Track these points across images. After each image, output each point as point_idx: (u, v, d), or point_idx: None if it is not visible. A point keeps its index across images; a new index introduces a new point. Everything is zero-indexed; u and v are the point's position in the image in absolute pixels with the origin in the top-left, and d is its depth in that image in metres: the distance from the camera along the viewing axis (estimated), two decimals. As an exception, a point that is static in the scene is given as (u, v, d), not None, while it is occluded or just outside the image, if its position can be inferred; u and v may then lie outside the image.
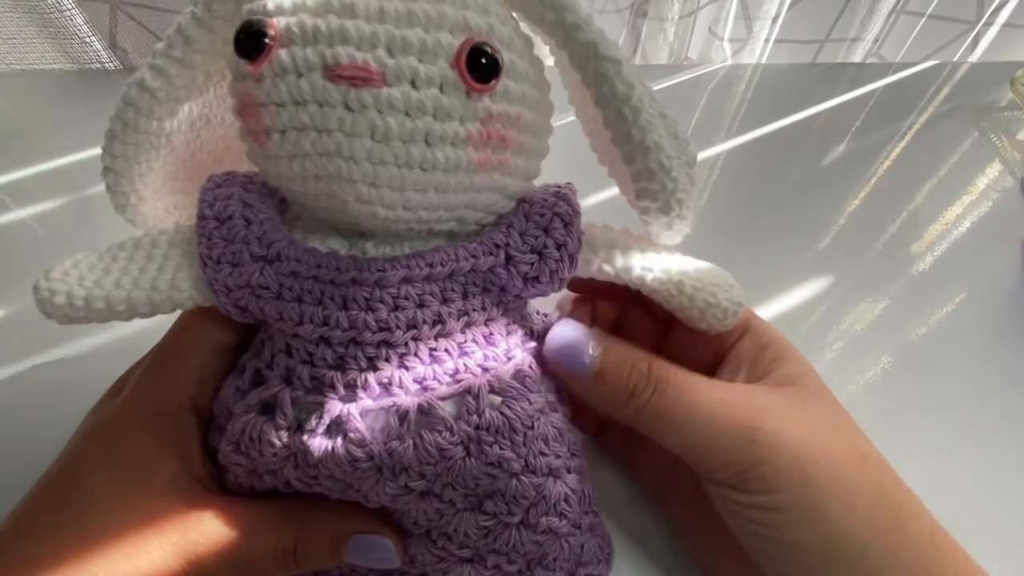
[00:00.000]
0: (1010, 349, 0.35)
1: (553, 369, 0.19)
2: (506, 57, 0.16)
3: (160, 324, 0.20)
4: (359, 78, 0.15)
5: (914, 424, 0.31)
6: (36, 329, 0.27)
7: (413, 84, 0.15)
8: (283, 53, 0.15)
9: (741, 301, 0.20)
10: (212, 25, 0.18)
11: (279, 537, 0.18)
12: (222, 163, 0.22)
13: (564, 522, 0.19)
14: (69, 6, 0.48)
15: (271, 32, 0.15)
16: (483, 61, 0.16)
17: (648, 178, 0.18)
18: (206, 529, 0.18)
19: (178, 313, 0.20)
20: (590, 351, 0.19)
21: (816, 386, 0.20)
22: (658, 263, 0.20)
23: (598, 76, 0.17)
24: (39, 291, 0.18)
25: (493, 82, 0.16)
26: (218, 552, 0.17)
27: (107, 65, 0.52)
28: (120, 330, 0.32)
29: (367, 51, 0.15)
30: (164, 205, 0.21)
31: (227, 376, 0.20)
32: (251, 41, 0.16)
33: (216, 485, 0.20)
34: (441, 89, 0.16)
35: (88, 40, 0.50)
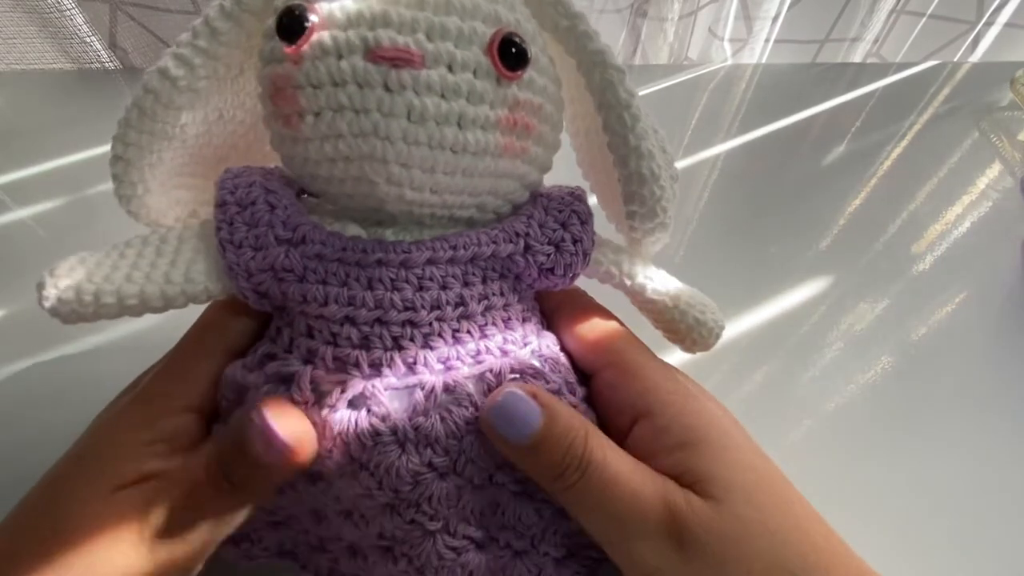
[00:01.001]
0: (1010, 349, 0.35)
1: (487, 432, 0.18)
2: (532, 50, 0.17)
3: (163, 320, 0.20)
4: (401, 59, 0.16)
5: (914, 424, 0.31)
6: (37, 329, 0.27)
7: (450, 68, 0.16)
8: (325, 35, 0.16)
9: (724, 325, 0.22)
10: (241, 18, 0.18)
11: (204, 451, 0.17)
12: (227, 160, 0.22)
13: None
14: (69, 6, 0.48)
15: (313, 16, 0.16)
16: (513, 51, 0.17)
17: (639, 182, 0.19)
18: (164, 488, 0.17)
19: (192, 310, 0.20)
20: (533, 424, 0.17)
21: (721, 488, 0.17)
22: (658, 276, 0.22)
23: (604, 82, 0.18)
24: (44, 288, 0.17)
25: (521, 71, 0.17)
26: (164, 493, 0.16)
27: (107, 65, 0.52)
28: (120, 330, 0.32)
29: (408, 35, 0.16)
30: (167, 199, 0.21)
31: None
32: (293, 24, 0.16)
33: None
34: (475, 74, 0.17)
35: (88, 40, 0.50)
